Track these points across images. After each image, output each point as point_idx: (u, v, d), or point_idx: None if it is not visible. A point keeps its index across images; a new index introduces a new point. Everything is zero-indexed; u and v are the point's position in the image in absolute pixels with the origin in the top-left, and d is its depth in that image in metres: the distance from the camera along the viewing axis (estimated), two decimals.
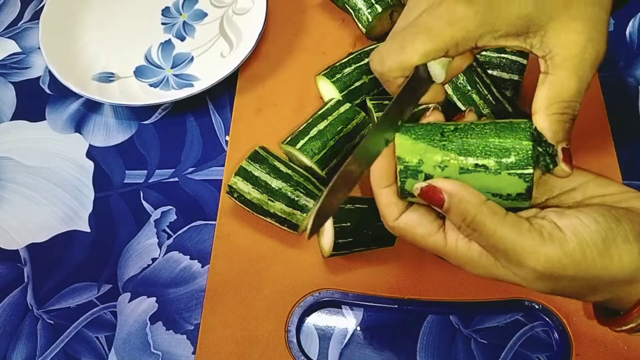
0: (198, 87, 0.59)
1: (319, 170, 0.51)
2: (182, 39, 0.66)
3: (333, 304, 0.51)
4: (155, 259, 0.54)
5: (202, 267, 0.53)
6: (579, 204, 0.34)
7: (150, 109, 0.62)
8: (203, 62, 0.64)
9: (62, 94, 0.64)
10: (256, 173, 0.50)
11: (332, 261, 0.51)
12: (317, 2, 0.68)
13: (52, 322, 0.51)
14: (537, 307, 0.49)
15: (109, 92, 0.60)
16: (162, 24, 0.67)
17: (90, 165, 0.59)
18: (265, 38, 0.65)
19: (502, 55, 0.56)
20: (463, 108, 0.52)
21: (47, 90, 0.64)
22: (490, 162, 0.32)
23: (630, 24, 0.67)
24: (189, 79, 0.63)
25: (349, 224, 0.48)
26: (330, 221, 0.48)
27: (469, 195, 0.32)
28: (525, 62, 0.55)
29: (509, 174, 0.32)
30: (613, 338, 0.48)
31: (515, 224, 0.31)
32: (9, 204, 0.57)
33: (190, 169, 0.58)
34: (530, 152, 0.32)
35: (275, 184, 0.50)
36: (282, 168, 0.51)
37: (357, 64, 0.56)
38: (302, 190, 0.50)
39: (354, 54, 0.57)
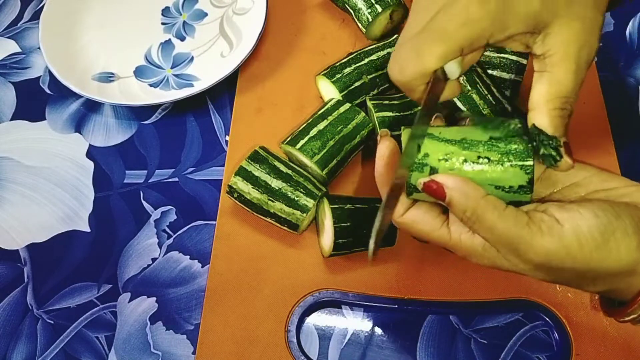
0: (198, 87, 0.59)
1: (319, 170, 0.51)
2: (182, 39, 0.66)
3: (333, 304, 0.51)
4: (155, 259, 0.54)
5: (202, 267, 0.53)
6: (582, 198, 0.35)
7: (150, 109, 0.62)
8: (203, 62, 0.64)
9: (62, 94, 0.64)
10: (256, 173, 0.50)
11: (332, 261, 0.51)
12: (317, 2, 0.68)
13: (52, 322, 0.51)
14: (537, 307, 0.49)
15: (109, 92, 0.60)
16: (162, 24, 0.67)
17: (90, 165, 0.59)
18: (265, 38, 0.65)
19: (502, 55, 0.56)
20: (463, 108, 0.52)
21: (47, 90, 0.64)
22: (493, 154, 0.34)
23: (630, 24, 0.67)
24: (189, 79, 0.63)
25: (349, 224, 0.48)
26: (330, 221, 0.48)
27: (470, 189, 0.33)
28: (525, 62, 0.55)
29: (511, 165, 0.33)
30: (613, 338, 0.48)
31: (514, 217, 0.32)
32: (9, 204, 0.57)
33: (190, 169, 0.58)
34: (529, 144, 0.33)
35: (275, 184, 0.50)
36: (282, 168, 0.51)
37: (357, 64, 0.56)
38: (302, 190, 0.50)
39: (354, 54, 0.57)
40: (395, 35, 0.59)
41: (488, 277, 0.50)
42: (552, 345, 0.49)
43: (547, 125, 0.33)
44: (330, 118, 0.53)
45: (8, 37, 0.68)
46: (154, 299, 0.52)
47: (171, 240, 0.55)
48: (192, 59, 0.64)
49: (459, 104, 0.53)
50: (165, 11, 0.68)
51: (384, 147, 0.37)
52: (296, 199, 0.49)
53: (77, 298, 0.52)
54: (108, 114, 0.62)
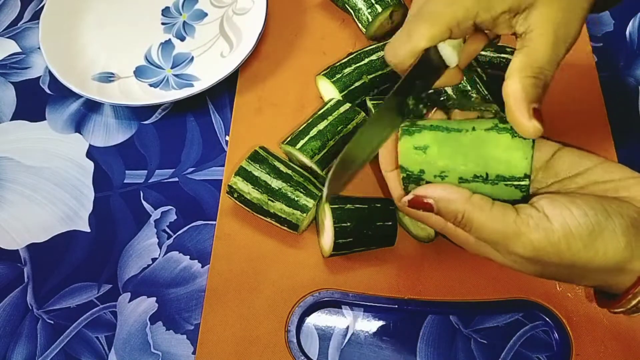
0: (198, 87, 0.59)
1: (319, 170, 0.51)
2: (182, 39, 0.66)
3: (333, 304, 0.51)
4: (155, 259, 0.54)
5: (202, 267, 0.53)
6: (578, 190, 0.35)
7: (150, 109, 0.62)
8: (203, 62, 0.64)
9: (62, 94, 0.64)
10: (256, 173, 0.50)
11: (332, 261, 0.51)
12: (317, 2, 0.68)
13: (52, 322, 0.51)
14: (537, 307, 0.49)
15: (109, 92, 0.60)
16: (162, 24, 0.67)
17: (90, 165, 0.59)
18: (265, 38, 0.65)
19: (502, 55, 0.55)
20: None
21: (47, 90, 0.64)
22: (488, 173, 0.34)
23: (630, 24, 0.67)
24: (189, 79, 0.63)
25: (349, 224, 0.48)
26: (330, 221, 0.48)
27: (454, 194, 0.34)
28: None
29: (506, 184, 0.34)
30: (613, 338, 0.48)
31: (502, 214, 0.33)
32: (9, 204, 0.57)
33: (190, 169, 0.58)
34: (527, 166, 0.33)
35: (275, 184, 0.50)
36: (282, 168, 0.51)
37: (357, 64, 0.56)
38: (302, 190, 0.50)
39: (354, 54, 0.57)
40: None
41: (488, 277, 0.50)
42: (552, 345, 0.49)
43: (518, 90, 0.33)
44: (330, 118, 0.53)
45: (8, 37, 0.68)
46: (154, 299, 0.52)
47: (171, 240, 0.55)
48: (192, 59, 0.64)
49: None
50: (165, 11, 0.68)
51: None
52: (296, 199, 0.49)
53: (77, 298, 0.52)
54: (108, 114, 0.62)
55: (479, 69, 0.54)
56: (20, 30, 0.69)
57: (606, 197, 0.34)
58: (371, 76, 0.56)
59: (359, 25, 0.62)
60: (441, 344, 0.49)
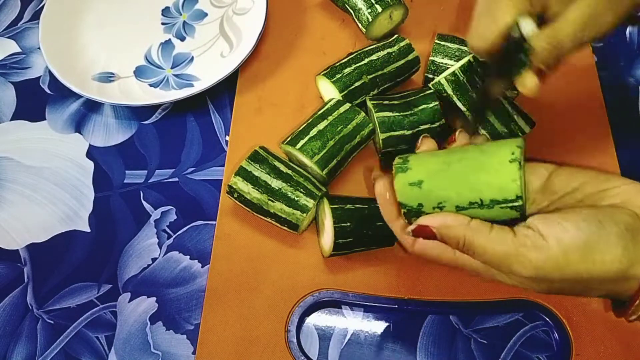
0: (198, 87, 0.59)
1: (319, 170, 0.51)
2: (182, 39, 0.66)
3: (333, 304, 0.51)
4: (155, 259, 0.54)
5: (202, 267, 0.53)
6: (579, 202, 0.36)
7: (150, 109, 0.62)
8: (203, 62, 0.64)
9: (62, 94, 0.64)
10: (256, 173, 0.50)
11: (332, 261, 0.51)
12: (317, 2, 0.68)
13: (52, 322, 0.51)
14: (537, 307, 0.49)
15: (109, 92, 0.60)
16: (162, 24, 0.67)
17: (90, 165, 0.59)
18: (265, 38, 0.65)
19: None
20: (463, 108, 0.52)
21: (47, 90, 0.64)
22: (482, 199, 0.36)
23: None
24: (189, 79, 0.63)
25: (349, 224, 0.48)
26: (330, 221, 0.48)
27: (452, 221, 0.36)
28: None
29: (501, 207, 0.36)
30: (613, 338, 0.48)
31: (500, 237, 0.34)
32: (9, 204, 0.57)
33: (190, 169, 0.58)
34: (517, 188, 0.35)
35: (275, 184, 0.50)
36: (282, 168, 0.51)
37: (357, 64, 0.56)
38: (302, 190, 0.50)
39: (354, 54, 0.57)
40: (396, 35, 0.59)
41: None
42: (552, 345, 0.49)
43: (539, 48, 0.38)
44: (330, 118, 0.53)
45: (8, 37, 0.68)
46: (154, 299, 0.52)
47: (171, 240, 0.55)
48: (192, 59, 0.64)
49: (458, 103, 0.53)
50: (165, 11, 0.68)
51: (381, 186, 0.41)
52: (296, 199, 0.49)
53: (77, 298, 0.52)
54: (108, 114, 0.62)
55: (479, 69, 0.54)
56: (20, 30, 0.69)
57: (600, 207, 0.34)
58: (371, 76, 0.56)
59: (359, 25, 0.62)
60: (441, 344, 0.49)
